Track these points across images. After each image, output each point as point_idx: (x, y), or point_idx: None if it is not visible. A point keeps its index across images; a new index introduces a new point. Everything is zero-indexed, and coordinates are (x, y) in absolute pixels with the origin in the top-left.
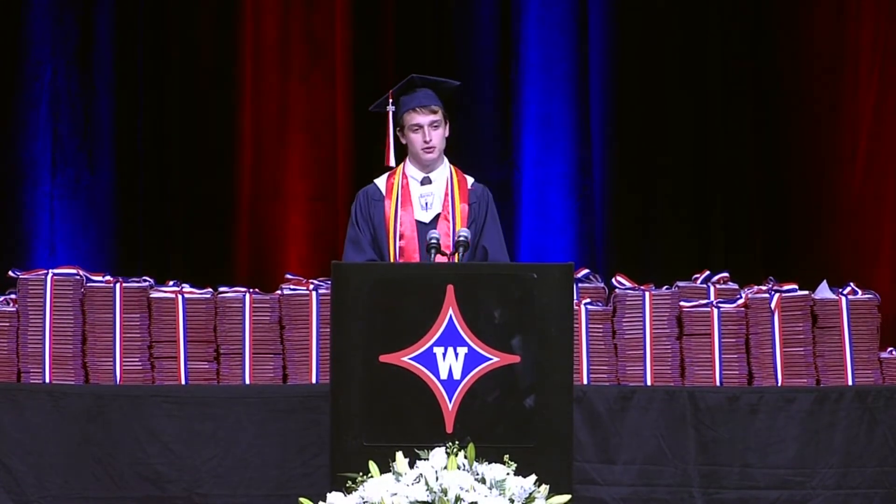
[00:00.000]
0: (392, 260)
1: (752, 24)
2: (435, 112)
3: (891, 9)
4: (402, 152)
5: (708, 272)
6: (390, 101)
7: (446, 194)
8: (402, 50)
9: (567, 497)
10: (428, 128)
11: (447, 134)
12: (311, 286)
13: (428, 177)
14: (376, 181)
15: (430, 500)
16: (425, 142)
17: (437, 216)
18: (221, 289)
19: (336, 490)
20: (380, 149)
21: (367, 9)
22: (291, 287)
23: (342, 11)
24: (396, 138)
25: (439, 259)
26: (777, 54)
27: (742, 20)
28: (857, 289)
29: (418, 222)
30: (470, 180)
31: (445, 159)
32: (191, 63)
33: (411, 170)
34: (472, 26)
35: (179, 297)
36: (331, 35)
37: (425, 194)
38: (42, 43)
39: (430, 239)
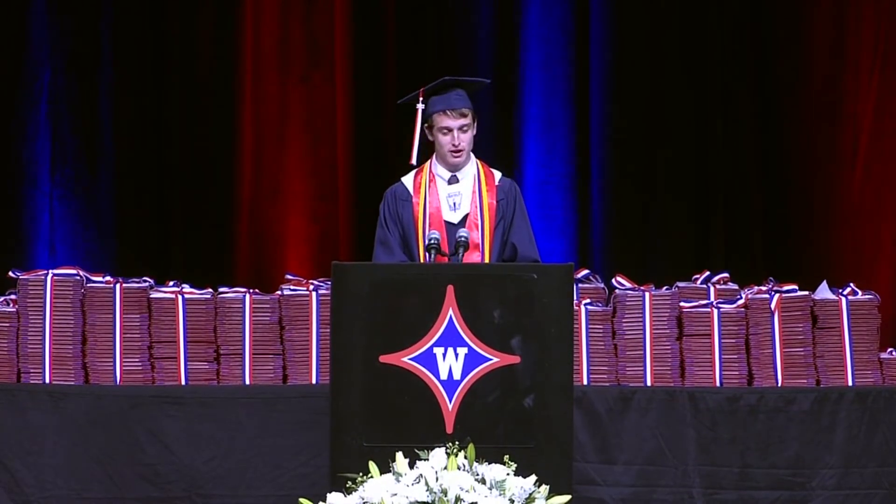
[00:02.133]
0: (422, 261)
1: (752, 25)
2: (465, 115)
3: (891, 9)
4: (429, 150)
5: (708, 272)
6: (420, 98)
7: (474, 192)
8: (402, 50)
9: (567, 497)
10: (457, 131)
11: (475, 133)
12: (311, 287)
13: (455, 175)
14: (403, 180)
15: (430, 501)
16: (454, 145)
17: (466, 216)
18: (221, 289)
19: (336, 490)
20: (377, 148)
21: (367, 9)
22: (291, 287)
23: (342, 11)
24: (423, 134)
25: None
26: (777, 55)
27: (742, 21)
28: (857, 289)
29: (447, 223)
30: (497, 175)
31: (472, 156)
32: (191, 63)
33: (438, 168)
34: (472, 26)
35: (179, 297)
36: (331, 35)
37: (453, 194)
38: (42, 43)
39: (430, 239)
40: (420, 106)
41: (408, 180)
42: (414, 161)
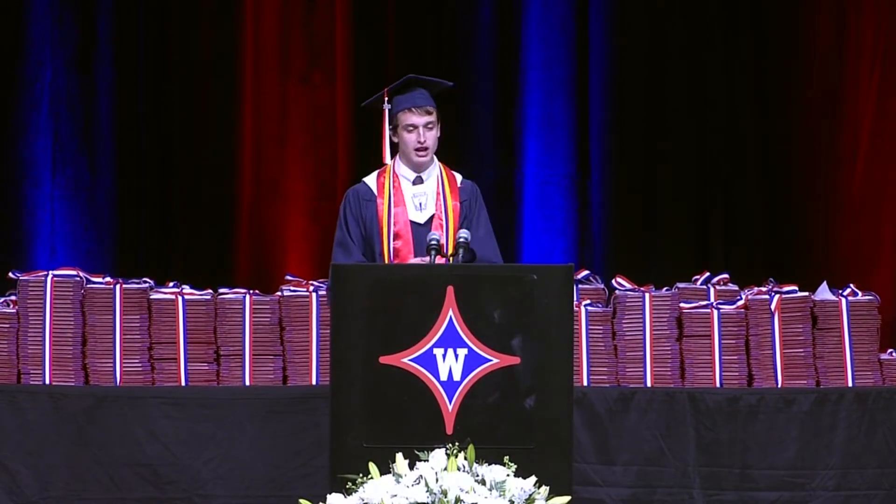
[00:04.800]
0: (386, 261)
1: (752, 25)
2: (430, 113)
3: (891, 9)
4: (393, 151)
5: (708, 273)
6: (385, 98)
7: (438, 194)
8: (402, 50)
9: (567, 498)
10: (423, 129)
11: (439, 135)
12: (311, 287)
13: (420, 176)
14: (366, 180)
15: (430, 502)
16: (419, 143)
17: (432, 217)
18: (221, 290)
19: (336, 491)
20: (376, 148)
21: (367, 9)
22: (291, 288)
23: (342, 11)
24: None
25: (439, 260)
26: (777, 54)
27: (743, 20)
28: (857, 290)
29: (413, 223)
30: (458, 177)
31: (435, 158)
32: (191, 63)
33: (402, 169)
34: (472, 27)
35: (179, 298)
36: (331, 35)
37: (418, 194)
38: (42, 44)
39: (431, 240)
40: (386, 106)
41: (370, 180)
42: (388, 160)
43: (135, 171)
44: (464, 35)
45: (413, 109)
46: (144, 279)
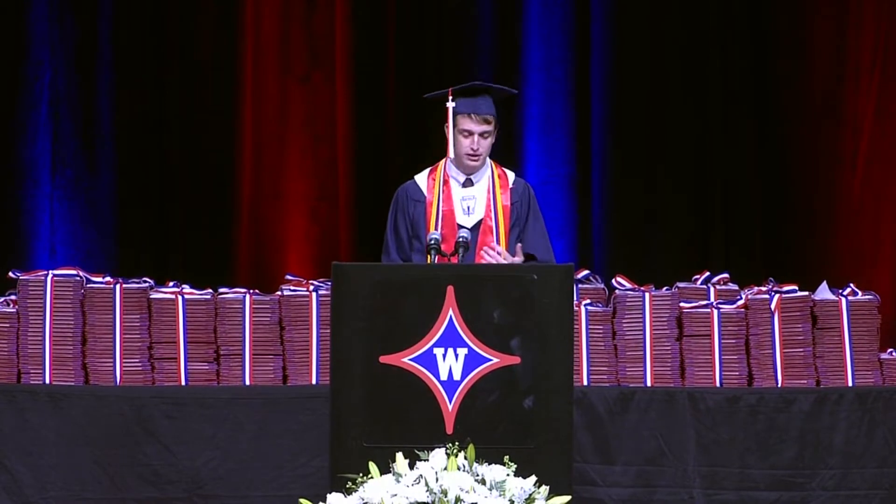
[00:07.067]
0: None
1: (752, 25)
2: (489, 122)
3: (891, 10)
4: (444, 148)
5: (708, 273)
6: (450, 97)
7: (488, 195)
8: (402, 50)
9: (567, 498)
10: (478, 136)
11: (494, 141)
12: (311, 287)
13: (469, 178)
14: (416, 178)
15: (430, 501)
16: (472, 149)
17: (480, 221)
18: (221, 289)
19: (336, 491)
20: (377, 148)
21: (367, 9)
22: (291, 288)
23: (342, 11)
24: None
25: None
26: (777, 55)
27: (742, 21)
28: (857, 290)
29: (460, 226)
30: (511, 177)
31: (487, 157)
32: (191, 63)
33: (453, 170)
34: (472, 27)
35: (179, 297)
36: (331, 35)
37: (467, 197)
38: (42, 44)
39: (431, 240)
40: (451, 104)
41: (421, 179)
42: (452, 155)
43: (134, 170)
44: (464, 35)
45: (473, 116)
46: (144, 279)
